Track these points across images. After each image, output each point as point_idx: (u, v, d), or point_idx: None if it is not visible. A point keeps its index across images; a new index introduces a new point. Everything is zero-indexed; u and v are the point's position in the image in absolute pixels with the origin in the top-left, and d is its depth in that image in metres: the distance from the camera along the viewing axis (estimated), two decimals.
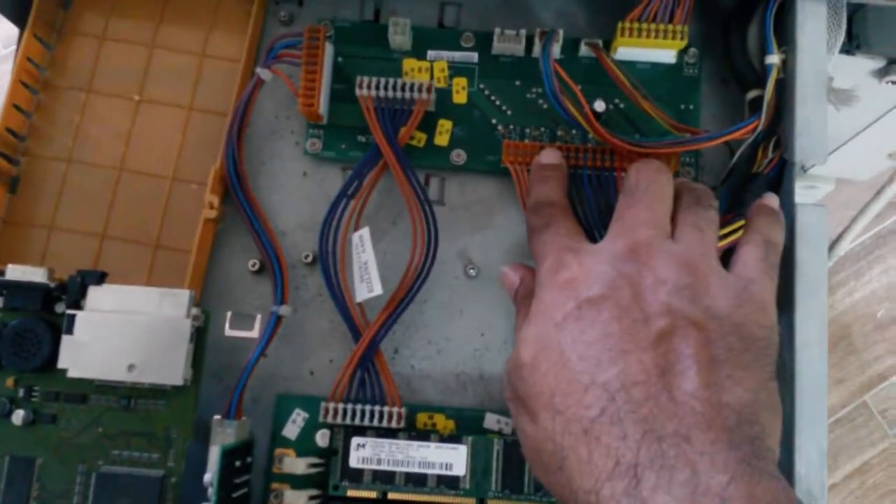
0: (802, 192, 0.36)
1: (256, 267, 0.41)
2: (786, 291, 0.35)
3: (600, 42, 0.41)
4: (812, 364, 0.34)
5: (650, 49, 0.40)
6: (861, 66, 0.44)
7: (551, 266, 0.32)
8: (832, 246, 0.38)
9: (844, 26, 0.39)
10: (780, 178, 0.38)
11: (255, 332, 0.38)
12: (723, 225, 0.37)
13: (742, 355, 0.29)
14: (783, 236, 0.35)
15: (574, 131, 0.41)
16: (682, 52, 0.41)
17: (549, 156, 0.38)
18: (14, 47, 0.42)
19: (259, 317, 0.39)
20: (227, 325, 0.39)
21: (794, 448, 0.34)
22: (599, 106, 0.40)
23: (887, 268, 1.20)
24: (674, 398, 0.27)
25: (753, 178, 0.38)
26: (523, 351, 0.30)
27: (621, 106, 0.41)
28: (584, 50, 0.41)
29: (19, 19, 0.42)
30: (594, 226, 0.38)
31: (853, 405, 1.16)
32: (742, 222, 0.37)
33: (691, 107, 0.41)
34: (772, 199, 0.36)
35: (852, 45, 0.41)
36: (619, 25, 0.39)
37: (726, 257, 0.34)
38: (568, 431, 0.28)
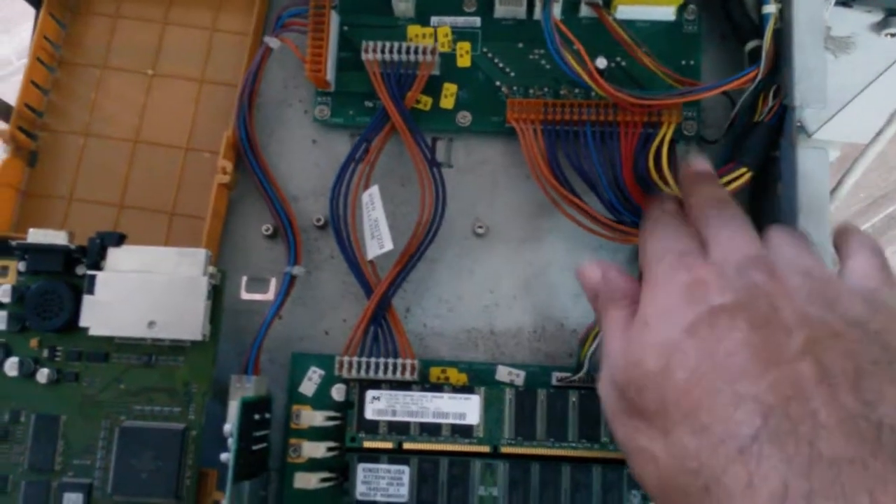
0: None
1: (270, 231, 0.42)
2: None
3: (600, 1, 0.41)
4: None
5: (649, 6, 0.41)
6: (860, 20, 0.44)
7: (672, 266, 0.30)
8: (833, 191, 0.39)
9: None
10: (781, 125, 0.38)
11: (270, 295, 0.39)
12: (724, 174, 0.38)
13: (888, 368, 0.26)
14: None
15: (577, 90, 0.42)
16: (681, 9, 0.42)
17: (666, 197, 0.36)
18: (26, 60, 0.43)
19: (274, 280, 0.40)
20: (242, 289, 0.40)
21: None
22: (601, 63, 0.41)
23: None
24: (832, 415, 0.24)
25: (755, 127, 0.38)
26: (647, 357, 0.28)
27: (623, 63, 0.42)
28: (584, 10, 0.42)
29: None
30: (597, 180, 0.39)
31: None
32: (743, 170, 0.37)
33: (692, 62, 0.42)
34: (849, 224, 0.33)
35: None
36: None
37: None
38: (718, 452, 0.25)
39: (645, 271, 0.32)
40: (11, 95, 0.42)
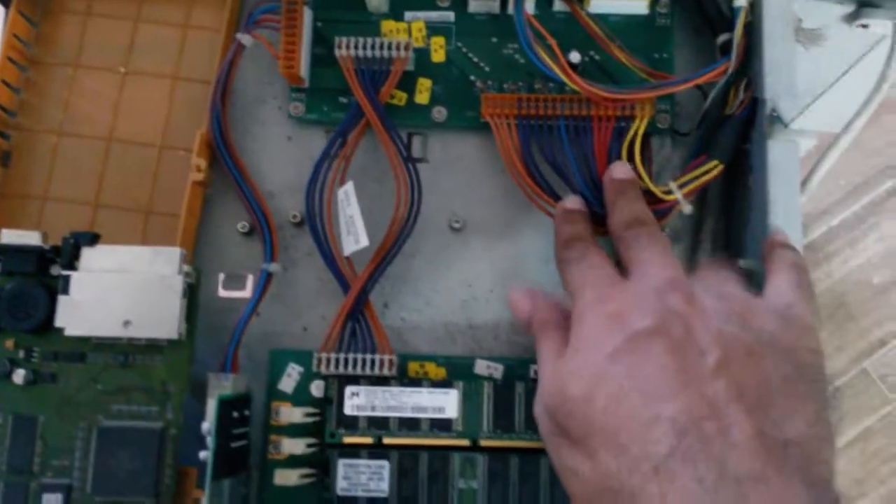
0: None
1: (246, 229, 0.42)
2: (760, 229, 0.36)
3: None
4: None
5: (623, 0, 0.41)
6: (831, 12, 0.45)
7: (594, 297, 0.31)
8: (804, 182, 0.39)
9: None
10: (752, 117, 0.38)
11: (247, 292, 0.39)
12: (695, 167, 0.38)
13: (797, 385, 0.28)
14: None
15: (551, 84, 0.42)
16: (655, 3, 0.42)
17: (573, 202, 0.37)
18: None
19: (251, 277, 0.40)
20: (220, 286, 0.40)
21: None
22: (574, 57, 0.41)
23: (882, 235, 1.21)
24: (743, 432, 0.26)
25: (726, 120, 0.39)
26: (573, 384, 0.29)
27: (596, 58, 0.42)
28: (557, 5, 0.42)
29: None
30: (572, 175, 0.39)
31: (853, 372, 1.17)
32: (715, 162, 0.38)
33: (665, 56, 0.42)
34: (782, 234, 0.35)
35: None
36: None
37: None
38: (636, 471, 0.26)
39: (572, 298, 0.33)
40: None
